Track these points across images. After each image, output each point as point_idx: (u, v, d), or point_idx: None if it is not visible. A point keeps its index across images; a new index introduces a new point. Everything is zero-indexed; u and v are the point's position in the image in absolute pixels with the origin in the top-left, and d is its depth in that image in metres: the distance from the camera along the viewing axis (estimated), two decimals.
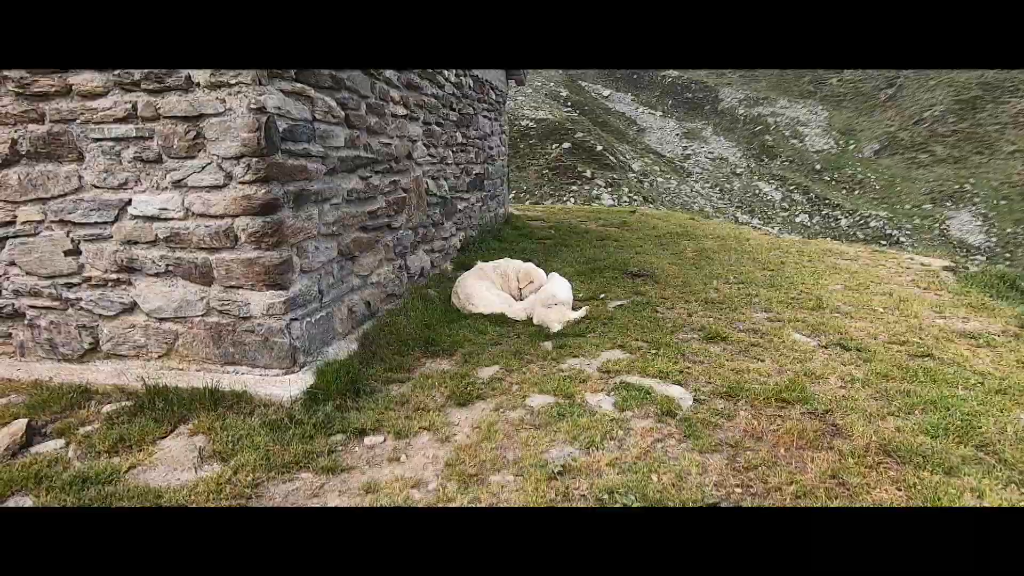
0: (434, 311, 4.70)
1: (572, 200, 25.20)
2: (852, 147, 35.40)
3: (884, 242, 26.10)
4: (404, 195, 5.18)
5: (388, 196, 4.83)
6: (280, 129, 3.20)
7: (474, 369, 3.72)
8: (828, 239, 24.06)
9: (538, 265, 6.31)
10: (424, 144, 5.79)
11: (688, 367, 3.64)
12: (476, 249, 7.34)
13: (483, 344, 4.13)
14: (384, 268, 4.78)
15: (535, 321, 4.49)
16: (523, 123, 29.97)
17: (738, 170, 34.28)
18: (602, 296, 5.24)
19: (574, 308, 4.81)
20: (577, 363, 3.75)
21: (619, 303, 5.05)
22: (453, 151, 6.88)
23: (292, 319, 3.37)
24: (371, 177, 4.49)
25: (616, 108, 39.56)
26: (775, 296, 5.28)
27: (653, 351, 3.90)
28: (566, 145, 28.54)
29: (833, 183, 32.58)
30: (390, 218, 4.89)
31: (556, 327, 4.37)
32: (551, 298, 4.48)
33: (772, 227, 28.14)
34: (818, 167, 33.64)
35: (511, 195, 25.88)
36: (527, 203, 24.47)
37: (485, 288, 4.88)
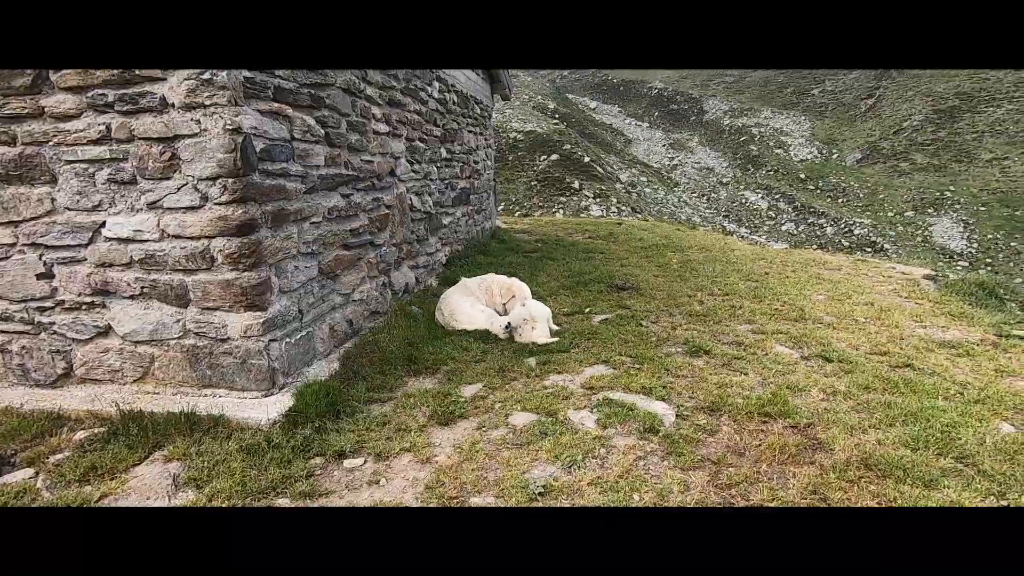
0: (418, 328, 4.67)
1: (561, 211, 25.35)
2: (835, 156, 35.80)
3: (869, 249, 26.28)
4: (387, 212, 5.17)
5: (371, 213, 4.81)
6: (257, 149, 3.18)
7: (457, 387, 3.69)
8: (813, 248, 24.36)
9: (524, 280, 6.32)
10: (408, 160, 5.79)
11: (671, 382, 3.64)
12: (462, 264, 7.33)
13: (467, 361, 4.10)
14: (367, 285, 4.75)
15: (515, 338, 4.48)
16: (511, 135, 30.16)
17: (724, 180, 34.71)
18: (587, 310, 5.24)
19: (555, 323, 4.81)
20: (560, 379, 3.73)
21: (604, 317, 5.05)
22: (438, 166, 6.89)
23: (271, 340, 3.33)
24: (353, 195, 4.48)
25: (603, 120, 39.95)
26: (759, 308, 5.31)
27: (637, 366, 3.89)
28: (554, 157, 28.70)
29: (818, 191, 33.04)
30: (373, 235, 4.87)
31: (541, 340, 4.38)
32: (529, 317, 4.48)
33: (759, 236, 28.48)
34: (802, 176, 34.12)
35: (500, 207, 25.97)
36: (516, 215, 24.52)
37: (469, 304, 4.87)
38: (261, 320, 3.24)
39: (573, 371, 3.85)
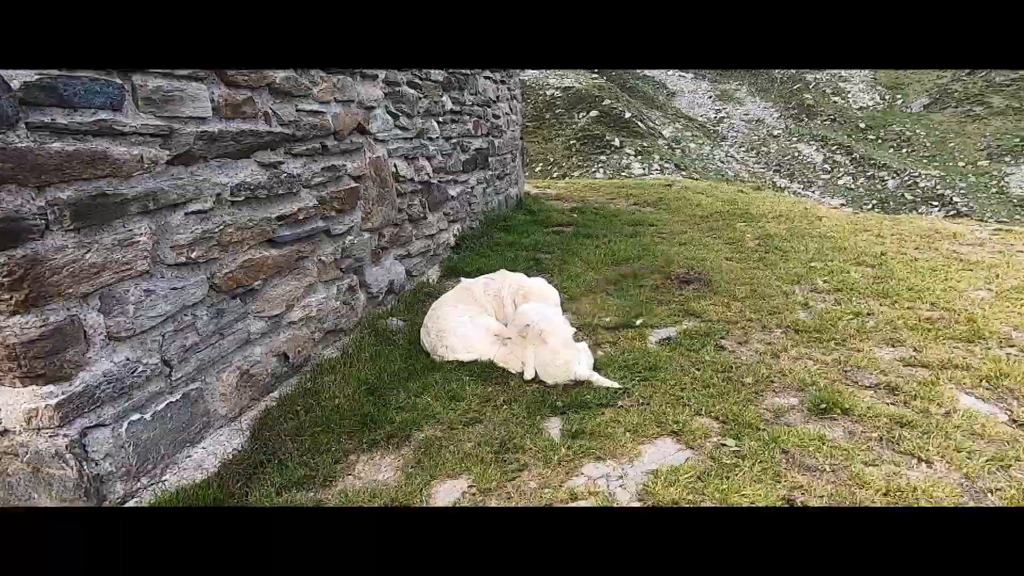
0: (391, 359, 3.18)
1: (601, 171, 23.92)
2: (900, 102, 33.00)
3: (936, 203, 24.36)
4: (353, 185, 3.65)
5: (322, 190, 3.30)
6: (15, 85, 1.68)
7: (428, 484, 2.20)
8: (873, 205, 21.93)
9: (552, 270, 4.76)
10: (389, 112, 4.22)
11: (801, 485, 2.05)
12: (476, 245, 5.80)
13: (454, 423, 2.60)
14: (318, 296, 3.28)
15: (532, 373, 2.95)
16: (548, 92, 28.75)
17: (775, 132, 33.52)
18: (639, 322, 3.62)
19: (595, 344, 3.25)
20: (601, 473, 2.19)
21: (665, 334, 3.45)
22: (439, 122, 5.29)
23: (88, 428, 1.90)
24: (285, 163, 2.97)
25: (645, 72, 37.29)
26: (897, 314, 3.58)
27: (731, 442, 2.31)
28: (593, 113, 27.38)
29: (879, 142, 31.53)
30: (328, 221, 3.37)
31: (560, 378, 2.86)
32: (543, 329, 2.95)
33: (813, 191, 27.47)
34: (862, 125, 32.69)
35: (537, 168, 24.27)
36: (555, 176, 23.02)
37: (468, 319, 3.32)
38: (57, 399, 1.80)
39: (622, 453, 2.29)
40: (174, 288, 2.25)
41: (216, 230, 2.47)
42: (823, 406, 2.52)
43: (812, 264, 4.75)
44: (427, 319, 3.42)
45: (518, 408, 2.68)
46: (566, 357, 2.88)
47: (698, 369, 2.94)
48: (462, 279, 3.73)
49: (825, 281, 4.29)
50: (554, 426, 2.53)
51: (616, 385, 2.80)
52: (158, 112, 2.17)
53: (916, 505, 1.93)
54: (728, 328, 3.47)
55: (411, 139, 4.63)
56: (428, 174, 4.96)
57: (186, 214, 2.32)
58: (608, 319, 3.69)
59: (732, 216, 7.29)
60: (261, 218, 2.78)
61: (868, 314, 3.60)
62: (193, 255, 2.34)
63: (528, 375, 2.93)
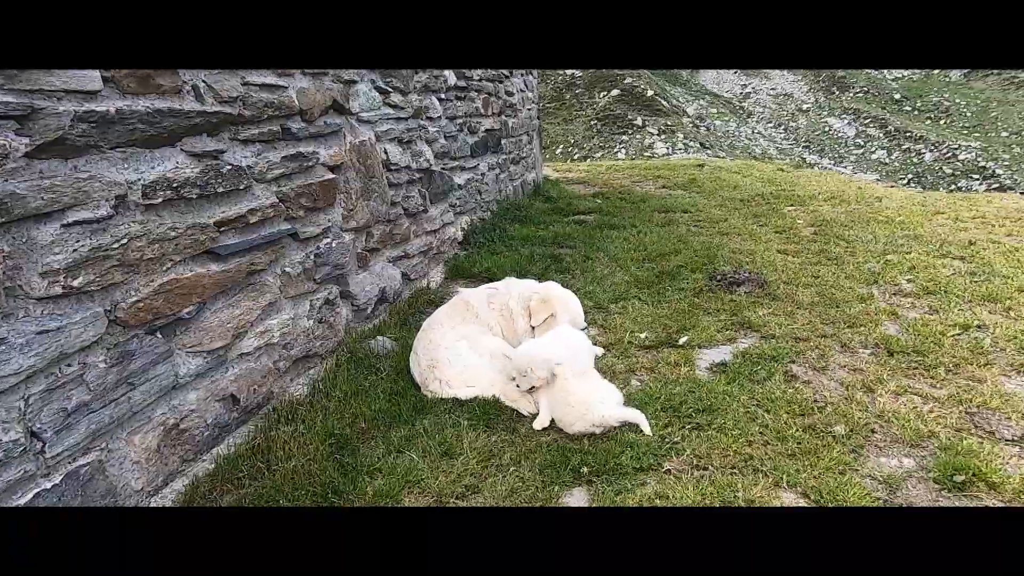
0: (372, 397, 2.53)
1: (623, 151, 23.18)
2: (937, 70, 31.94)
3: (976, 176, 23.53)
4: (329, 177, 2.98)
5: (284, 184, 2.65)
6: None
7: None
8: (908, 180, 20.65)
9: (573, 268, 4.06)
10: (376, 87, 3.55)
11: None
12: (487, 239, 5.12)
13: (444, 494, 1.94)
14: (282, 316, 2.64)
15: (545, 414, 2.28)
16: (567, 72, 28.08)
17: (804, 106, 32.73)
18: (682, 340, 2.89)
19: (625, 371, 2.55)
20: None
21: (717, 356, 2.72)
22: (441, 99, 4.59)
23: None
24: (227, 152, 2.31)
25: None
26: (1018, 326, 2.79)
27: None
28: (615, 92, 26.70)
29: (915, 113, 30.49)
30: (294, 222, 2.72)
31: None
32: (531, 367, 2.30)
33: (844, 166, 26.66)
34: (898, 96, 31.70)
35: (558, 151, 23.43)
36: (576, 158, 22.27)
37: (467, 345, 2.64)
38: None
39: None
40: (45, 331, 1.62)
41: (116, 245, 1.82)
42: (957, 477, 1.79)
43: (887, 257, 3.95)
44: (417, 343, 2.75)
45: (528, 471, 2.00)
46: (582, 396, 2.19)
47: (767, 411, 2.22)
48: (459, 290, 3.05)
49: (910, 281, 3.49)
50: (577, 503, 1.85)
51: (648, 431, 2.12)
52: (7, 84, 1.52)
53: None
54: (798, 348, 2.73)
55: (406, 119, 3.94)
56: (428, 160, 4.28)
57: (64, 226, 1.67)
58: (643, 335, 2.97)
59: (777, 199, 6.46)
60: (192, 224, 2.13)
61: (978, 326, 2.82)
62: (77, 282, 1.70)
63: (541, 422, 2.26)
